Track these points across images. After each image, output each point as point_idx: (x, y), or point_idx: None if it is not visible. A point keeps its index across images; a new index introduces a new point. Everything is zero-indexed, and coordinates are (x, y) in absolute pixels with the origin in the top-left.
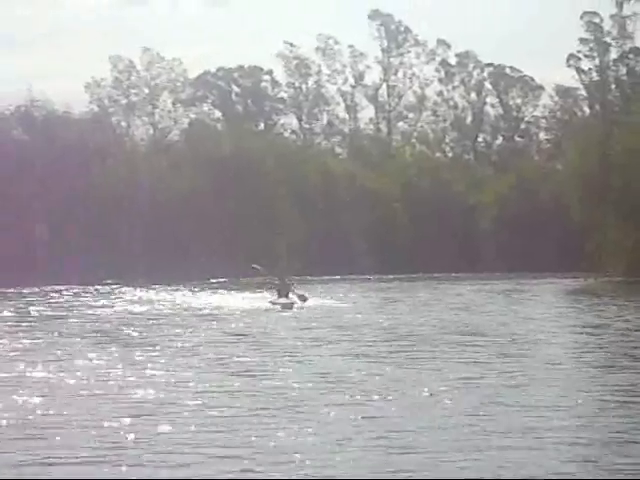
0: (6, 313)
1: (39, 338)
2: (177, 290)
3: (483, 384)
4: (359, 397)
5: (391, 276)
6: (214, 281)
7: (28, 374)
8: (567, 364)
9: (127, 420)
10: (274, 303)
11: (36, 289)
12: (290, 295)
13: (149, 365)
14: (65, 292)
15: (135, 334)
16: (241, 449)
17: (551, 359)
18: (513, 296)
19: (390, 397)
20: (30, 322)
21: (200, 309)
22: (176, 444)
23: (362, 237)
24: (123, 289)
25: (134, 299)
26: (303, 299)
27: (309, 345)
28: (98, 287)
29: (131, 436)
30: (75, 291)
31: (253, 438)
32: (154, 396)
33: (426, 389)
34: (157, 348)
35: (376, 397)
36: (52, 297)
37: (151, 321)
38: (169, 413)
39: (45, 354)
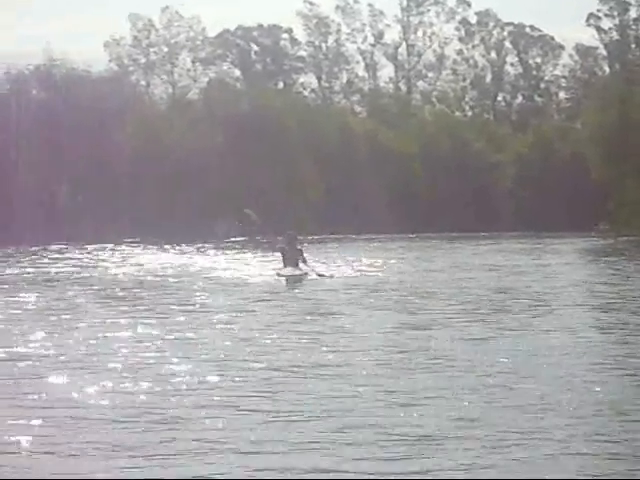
0: (30, 269)
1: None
2: (182, 252)
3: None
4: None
5: (411, 235)
6: (233, 240)
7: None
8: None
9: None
10: (279, 275)
11: (56, 247)
12: (300, 265)
13: None
14: (82, 251)
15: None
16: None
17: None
18: (538, 256)
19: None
20: (49, 281)
21: (192, 274)
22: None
23: (381, 196)
24: (136, 249)
25: (131, 260)
26: (322, 276)
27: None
28: (116, 246)
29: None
30: (93, 250)
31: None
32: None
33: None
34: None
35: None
36: (71, 255)
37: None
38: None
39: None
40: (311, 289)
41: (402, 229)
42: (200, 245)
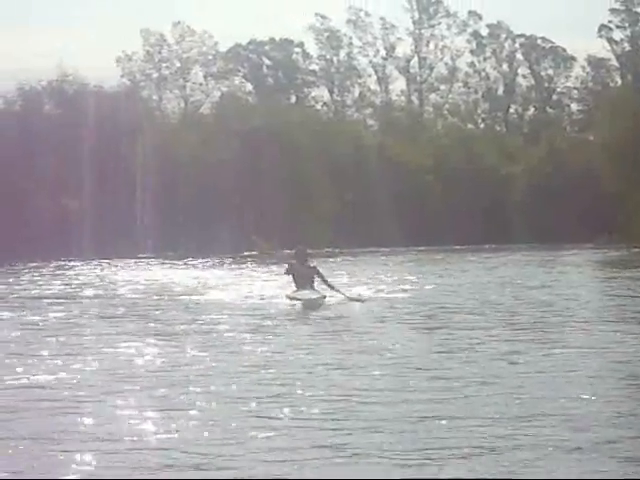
0: (41, 286)
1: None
2: (194, 267)
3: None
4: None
5: (423, 248)
6: (246, 254)
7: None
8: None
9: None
10: (291, 298)
11: (70, 263)
12: (316, 285)
13: None
14: (94, 266)
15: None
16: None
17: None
18: (553, 268)
19: None
20: (57, 297)
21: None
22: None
23: (394, 209)
24: (149, 264)
25: (143, 276)
26: (355, 299)
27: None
28: (129, 261)
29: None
30: (105, 265)
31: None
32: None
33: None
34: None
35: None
36: (79, 272)
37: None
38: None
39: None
40: (333, 312)
41: (415, 242)
42: (211, 260)
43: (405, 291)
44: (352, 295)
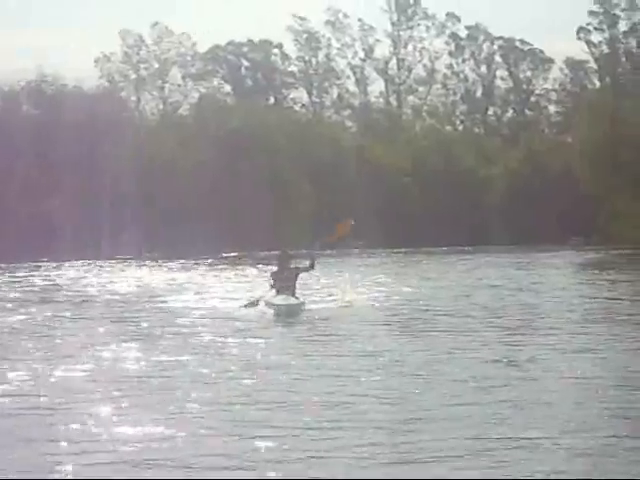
0: (20, 285)
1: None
2: (171, 268)
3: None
4: None
5: (400, 249)
6: (225, 255)
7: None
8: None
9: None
10: (268, 303)
11: (47, 264)
12: (297, 291)
13: None
14: (70, 267)
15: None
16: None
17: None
18: (528, 269)
19: None
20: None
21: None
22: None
23: (372, 211)
24: (127, 265)
25: (120, 276)
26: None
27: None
28: (105, 262)
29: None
30: (84, 266)
31: None
32: None
33: None
34: None
35: None
36: (57, 272)
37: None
38: None
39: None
40: (315, 316)
41: (393, 244)
42: (189, 262)
43: (386, 293)
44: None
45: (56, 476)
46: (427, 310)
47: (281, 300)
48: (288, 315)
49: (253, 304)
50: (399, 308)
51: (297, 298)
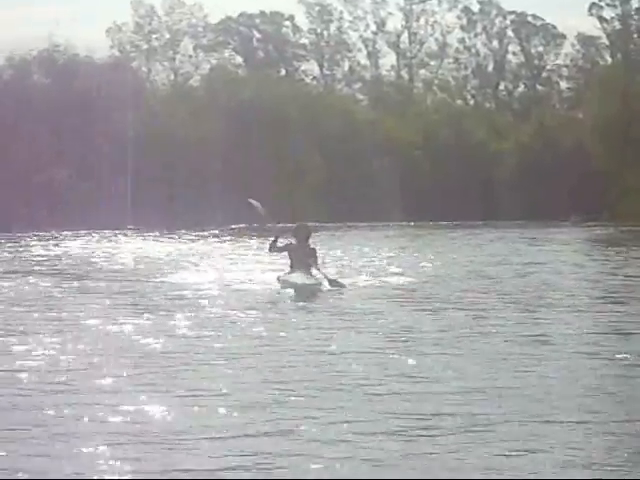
0: (26, 254)
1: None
2: (179, 240)
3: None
4: None
5: (410, 223)
6: (234, 227)
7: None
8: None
9: None
10: (284, 282)
11: (57, 233)
12: (313, 270)
13: None
14: (81, 237)
15: None
16: None
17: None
18: (539, 245)
19: None
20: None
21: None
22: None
23: (382, 184)
24: (136, 236)
25: (127, 248)
26: (336, 284)
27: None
28: (116, 232)
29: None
30: (93, 236)
31: None
32: None
33: None
34: None
35: None
36: (62, 242)
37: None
38: None
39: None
40: (330, 295)
41: (403, 217)
42: (199, 233)
43: (399, 268)
44: (334, 277)
45: (58, 476)
46: (439, 285)
47: (297, 278)
48: (302, 294)
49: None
50: (415, 285)
51: (315, 277)
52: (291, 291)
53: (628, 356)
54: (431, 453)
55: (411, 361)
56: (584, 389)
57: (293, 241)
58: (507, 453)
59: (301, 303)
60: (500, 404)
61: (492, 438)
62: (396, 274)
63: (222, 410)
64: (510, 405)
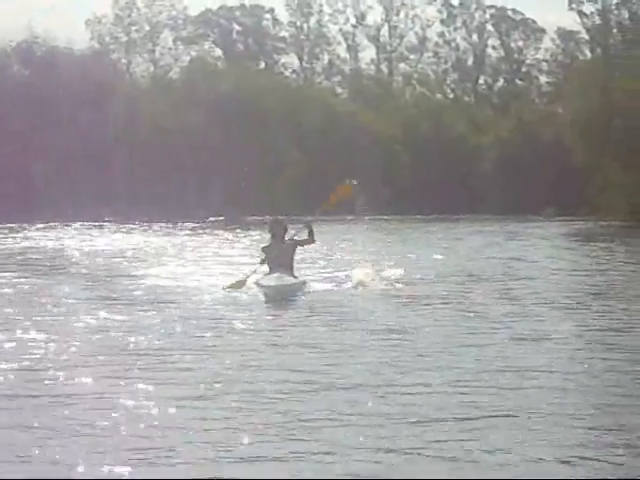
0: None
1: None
2: (155, 233)
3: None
4: None
5: (389, 217)
6: (213, 219)
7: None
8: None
9: None
10: (260, 285)
11: (36, 225)
12: (294, 267)
13: None
14: (55, 230)
15: None
16: None
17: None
18: (518, 240)
19: None
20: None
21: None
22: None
23: (361, 177)
24: (111, 228)
25: (98, 241)
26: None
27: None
28: (94, 224)
29: None
30: (74, 227)
31: None
32: None
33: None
34: None
35: None
36: (49, 233)
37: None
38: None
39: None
40: (311, 296)
41: (381, 211)
42: (178, 227)
43: (380, 264)
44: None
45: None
46: (422, 280)
47: (274, 280)
48: (283, 297)
49: (240, 284)
50: (399, 280)
51: (295, 277)
52: (269, 292)
53: (619, 351)
54: (430, 454)
55: (398, 358)
56: (583, 387)
57: (269, 243)
58: (505, 453)
59: (276, 303)
60: (496, 402)
61: (490, 437)
62: (377, 266)
63: (212, 410)
64: (508, 404)
